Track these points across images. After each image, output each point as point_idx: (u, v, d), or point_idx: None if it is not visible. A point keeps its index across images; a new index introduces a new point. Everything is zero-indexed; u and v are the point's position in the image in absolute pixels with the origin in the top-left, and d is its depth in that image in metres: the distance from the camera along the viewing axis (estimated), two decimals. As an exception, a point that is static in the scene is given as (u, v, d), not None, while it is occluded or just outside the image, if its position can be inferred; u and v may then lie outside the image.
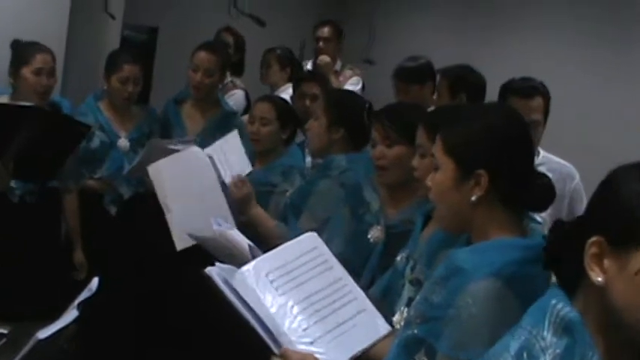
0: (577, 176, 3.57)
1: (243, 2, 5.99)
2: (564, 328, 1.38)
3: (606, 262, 1.37)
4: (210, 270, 1.93)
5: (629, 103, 5.39)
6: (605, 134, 5.40)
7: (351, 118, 3.34)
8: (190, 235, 3.18)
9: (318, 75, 5.01)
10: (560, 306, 1.40)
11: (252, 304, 1.94)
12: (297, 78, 4.80)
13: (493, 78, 4.24)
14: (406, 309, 2.16)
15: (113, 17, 5.20)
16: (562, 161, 3.54)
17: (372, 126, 2.88)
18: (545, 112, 3.51)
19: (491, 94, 4.10)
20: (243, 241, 2.90)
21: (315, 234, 2.25)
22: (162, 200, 3.49)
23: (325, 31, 5.81)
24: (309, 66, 5.78)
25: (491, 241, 1.85)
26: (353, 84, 5.57)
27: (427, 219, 2.43)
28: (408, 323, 1.90)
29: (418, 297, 1.90)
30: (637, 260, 1.33)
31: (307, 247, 2.20)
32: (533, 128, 3.28)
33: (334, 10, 7.39)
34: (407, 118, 2.74)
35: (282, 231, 3.28)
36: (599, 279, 1.37)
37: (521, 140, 1.91)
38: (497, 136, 1.87)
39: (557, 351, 1.36)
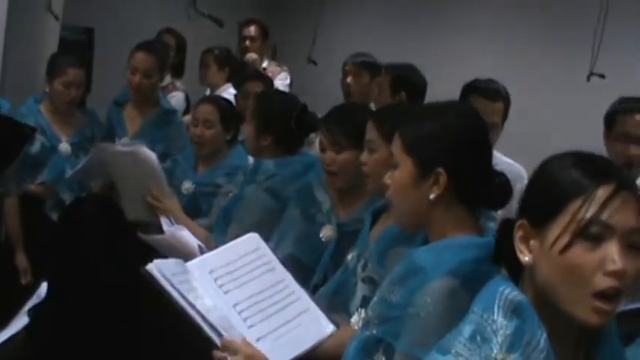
0: (526, 177, 3.56)
1: (201, 3, 5.99)
2: (513, 311, 1.45)
3: (532, 243, 1.49)
4: (151, 267, 1.92)
5: (570, 103, 5.51)
6: (545, 133, 5.51)
7: (280, 124, 3.29)
8: (141, 235, 3.20)
9: (264, 74, 5.04)
10: (507, 291, 1.48)
11: (195, 300, 1.94)
12: (243, 77, 4.79)
13: (433, 79, 4.33)
14: (363, 310, 2.17)
15: (57, 18, 5.11)
16: (511, 161, 3.60)
17: (319, 131, 2.90)
18: (504, 117, 3.58)
19: (432, 95, 4.19)
20: (193, 242, 2.93)
21: (256, 235, 2.29)
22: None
23: (251, 30, 5.86)
24: (265, 64, 5.82)
25: (448, 239, 1.87)
26: (281, 79, 5.63)
27: (375, 217, 2.47)
28: (366, 324, 1.90)
29: (376, 297, 1.91)
30: (552, 234, 1.45)
31: (250, 248, 2.23)
32: (490, 130, 3.35)
33: (278, 11, 7.45)
34: (354, 122, 2.76)
35: (214, 243, 3.25)
36: (526, 259, 1.50)
37: (479, 139, 1.94)
38: (455, 135, 1.89)
39: (508, 332, 1.43)
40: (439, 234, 1.90)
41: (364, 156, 2.47)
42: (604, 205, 1.42)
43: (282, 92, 4.47)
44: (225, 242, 3.07)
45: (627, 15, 5.15)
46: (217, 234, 3.30)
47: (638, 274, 1.44)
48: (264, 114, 3.32)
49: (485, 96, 3.52)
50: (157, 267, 1.94)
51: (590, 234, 1.42)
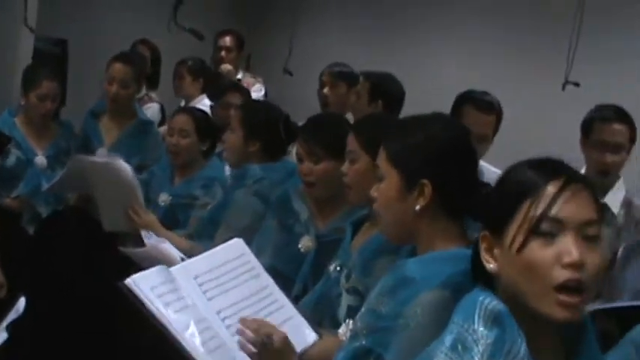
0: None
1: (182, 16, 5.99)
2: (493, 320, 1.47)
3: (495, 251, 1.53)
4: (129, 281, 1.90)
5: (546, 111, 5.55)
6: (520, 142, 5.54)
7: (267, 131, 3.37)
8: (121, 248, 3.19)
9: (242, 86, 5.06)
10: (487, 300, 1.50)
11: (175, 314, 1.93)
12: (222, 88, 4.82)
13: (408, 88, 4.34)
14: (351, 321, 2.18)
15: (32, 30, 5.10)
16: (498, 171, 3.61)
17: (297, 141, 2.91)
18: (495, 130, 3.61)
19: (408, 105, 4.20)
20: (174, 254, 2.92)
21: (241, 240, 2.28)
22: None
23: (227, 40, 5.88)
24: (239, 75, 5.83)
25: (438, 251, 1.88)
26: (256, 91, 5.64)
27: (356, 227, 2.47)
28: (354, 335, 1.90)
29: (364, 308, 1.92)
30: (509, 236, 1.49)
31: (234, 254, 2.22)
32: (481, 142, 3.38)
33: (254, 21, 7.47)
34: (331, 132, 2.79)
35: (198, 251, 3.23)
36: (491, 266, 1.54)
37: (464, 150, 1.95)
38: (440, 147, 1.90)
39: (489, 341, 1.45)
40: (427, 245, 1.91)
41: (345, 166, 2.48)
42: (553, 200, 1.46)
43: (267, 102, 4.51)
44: (212, 247, 3.13)
45: (602, 23, 5.19)
46: (204, 240, 3.32)
47: (600, 266, 1.47)
48: (252, 121, 3.38)
49: (479, 108, 3.56)
50: (135, 281, 1.91)
51: (543, 230, 1.45)
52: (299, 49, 6.58)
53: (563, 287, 1.43)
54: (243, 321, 1.99)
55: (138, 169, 3.89)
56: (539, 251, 1.45)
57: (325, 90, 4.71)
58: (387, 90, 4.20)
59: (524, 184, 1.51)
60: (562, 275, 1.43)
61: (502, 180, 1.59)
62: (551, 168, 1.52)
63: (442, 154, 1.90)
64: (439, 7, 6.47)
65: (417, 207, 1.89)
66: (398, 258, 2.06)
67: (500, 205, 1.54)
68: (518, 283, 1.48)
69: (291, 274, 2.79)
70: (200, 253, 3.07)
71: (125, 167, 3.53)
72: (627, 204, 3.39)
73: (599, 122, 3.39)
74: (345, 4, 7.21)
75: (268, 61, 6.75)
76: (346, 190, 2.52)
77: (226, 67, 5.68)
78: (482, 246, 1.56)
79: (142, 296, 1.89)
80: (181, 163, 3.82)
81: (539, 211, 1.46)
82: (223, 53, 5.83)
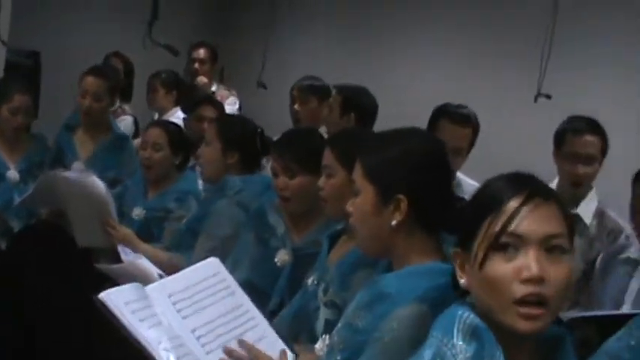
0: None
1: (157, 32, 6.00)
2: (472, 334, 1.49)
3: (466, 267, 1.55)
4: (103, 295, 1.89)
5: (518, 124, 5.59)
6: (493, 154, 5.57)
7: (244, 144, 3.41)
8: (98, 265, 3.17)
9: (216, 99, 5.06)
10: (466, 314, 1.51)
11: (149, 329, 1.92)
12: (195, 101, 4.81)
13: (381, 101, 4.36)
14: (327, 336, 2.18)
15: (4, 43, 5.07)
16: (476, 184, 3.62)
17: (271, 157, 2.93)
18: (471, 143, 3.63)
19: (381, 117, 4.23)
20: (152, 270, 2.91)
21: (217, 260, 2.27)
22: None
23: (201, 52, 5.90)
24: (213, 88, 5.82)
25: (414, 266, 1.88)
26: (230, 104, 5.66)
27: (333, 241, 2.48)
28: (331, 350, 1.91)
29: (341, 322, 1.92)
30: (473, 253, 1.51)
31: (209, 272, 2.21)
32: (456, 155, 3.41)
33: (228, 34, 7.48)
34: (305, 147, 2.81)
35: (178, 260, 3.27)
36: (462, 281, 1.56)
37: (439, 165, 1.96)
38: (416, 161, 1.91)
39: (468, 355, 1.47)
40: (402, 260, 1.91)
41: (322, 181, 2.49)
42: (512, 215, 1.47)
43: (241, 116, 4.51)
44: (192, 256, 3.15)
45: (574, 34, 5.24)
46: (182, 250, 3.33)
47: (567, 279, 1.48)
48: (229, 134, 3.42)
49: (454, 121, 3.58)
50: (109, 296, 1.91)
51: (502, 245, 1.47)
52: (273, 61, 6.60)
53: (523, 301, 1.45)
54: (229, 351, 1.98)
55: (113, 184, 3.89)
56: (499, 267, 1.47)
57: (296, 105, 4.71)
58: (359, 103, 4.20)
59: (488, 200, 1.53)
60: (521, 290, 1.45)
61: (473, 195, 1.60)
62: (515, 182, 1.53)
63: (418, 169, 1.90)
64: (414, 19, 6.51)
65: (393, 222, 1.89)
66: (375, 272, 2.07)
67: (467, 221, 1.56)
68: (482, 298, 1.51)
69: (268, 288, 2.80)
70: (179, 263, 3.18)
71: (97, 183, 3.50)
72: (600, 214, 3.42)
73: (571, 134, 3.41)
74: (320, 16, 7.25)
75: (242, 74, 6.76)
76: (323, 204, 2.52)
77: (202, 79, 5.71)
78: (456, 262, 1.58)
79: (115, 311, 1.88)
80: (155, 177, 3.81)
81: (498, 226, 1.48)
82: (197, 65, 5.85)
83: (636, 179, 3.04)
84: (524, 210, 1.47)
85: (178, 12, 7.31)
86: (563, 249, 1.48)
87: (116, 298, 1.91)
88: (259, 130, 3.48)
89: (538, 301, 1.45)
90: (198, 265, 2.23)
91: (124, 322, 1.89)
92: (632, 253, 3.10)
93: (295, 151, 2.82)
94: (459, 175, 3.56)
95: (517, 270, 1.45)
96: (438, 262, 1.89)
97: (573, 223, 1.56)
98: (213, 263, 2.26)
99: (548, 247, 1.47)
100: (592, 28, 5.30)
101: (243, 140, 3.42)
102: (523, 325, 1.45)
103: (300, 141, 2.91)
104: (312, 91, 4.68)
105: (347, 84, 4.36)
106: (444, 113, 3.61)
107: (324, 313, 2.31)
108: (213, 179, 3.50)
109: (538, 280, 1.44)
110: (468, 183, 3.57)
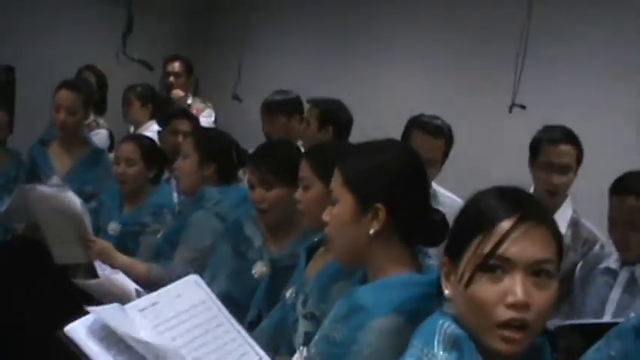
0: None
1: (132, 46, 5.99)
2: (452, 344, 1.49)
3: (452, 278, 1.55)
4: (69, 329, 1.85)
5: (493, 134, 5.61)
6: (467, 165, 5.59)
7: (221, 155, 3.46)
8: (75, 281, 3.15)
9: (190, 112, 5.05)
10: (447, 324, 1.52)
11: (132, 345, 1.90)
12: (169, 114, 4.81)
13: (356, 113, 4.39)
14: (305, 348, 2.17)
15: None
16: (452, 195, 3.64)
17: (248, 169, 2.93)
18: (445, 154, 3.63)
19: (357, 130, 4.26)
20: (129, 285, 2.89)
21: (196, 276, 2.27)
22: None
23: (176, 66, 5.90)
24: (189, 101, 5.81)
25: (390, 277, 1.88)
26: (206, 116, 5.68)
27: (311, 253, 2.48)
28: None
29: (318, 335, 1.92)
30: (460, 268, 1.51)
31: (189, 289, 2.21)
32: (429, 166, 3.39)
33: (204, 49, 7.49)
34: (282, 159, 2.82)
35: (157, 272, 3.28)
36: (446, 292, 1.57)
37: (417, 176, 1.97)
38: (395, 171, 1.92)
39: None
40: (378, 270, 1.91)
41: (299, 194, 2.49)
42: (502, 238, 1.46)
43: (216, 129, 4.51)
44: (171, 267, 3.17)
45: (548, 44, 5.27)
46: (162, 261, 3.32)
47: (550, 304, 1.48)
48: (206, 146, 3.46)
49: (427, 132, 3.58)
50: (74, 329, 1.87)
51: (490, 268, 1.47)
52: (248, 74, 6.60)
53: (506, 325, 1.45)
54: None
55: (91, 198, 3.89)
56: (484, 289, 1.47)
57: (266, 127, 4.69)
58: (336, 116, 4.25)
59: (480, 218, 1.52)
60: (504, 315, 1.45)
61: (466, 207, 1.59)
62: (509, 203, 1.52)
63: (397, 179, 1.91)
64: (389, 31, 6.52)
65: (371, 231, 1.89)
66: (351, 283, 2.06)
67: (458, 235, 1.56)
68: (465, 315, 1.51)
69: (246, 301, 2.80)
70: (158, 273, 3.21)
71: (73, 197, 3.49)
72: (574, 224, 3.45)
73: (546, 143, 3.44)
74: (296, 28, 7.25)
75: (217, 87, 6.75)
76: (300, 216, 2.53)
77: (178, 93, 5.71)
78: (442, 270, 1.58)
79: (80, 342, 1.85)
80: (129, 191, 3.81)
81: (487, 248, 1.47)
82: (172, 79, 5.85)
83: (613, 190, 3.06)
84: (516, 233, 1.47)
85: (152, 25, 7.29)
86: (550, 274, 1.48)
87: (78, 330, 1.88)
88: (235, 142, 3.53)
89: (521, 325, 1.45)
90: (177, 282, 2.22)
91: (90, 354, 1.87)
92: (611, 263, 3.11)
93: (272, 163, 2.83)
94: (434, 185, 3.57)
95: (502, 294, 1.45)
96: (414, 272, 1.90)
97: (563, 245, 1.55)
98: (192, 279, 2.25)
99: (536, 271, 1.47)
100: (567, 38, 5.33)
101: (219, 153, 3.47)
102: (503, 347, 1.46)
103: (276, 153, 2.92)
104: (278, 108, 4.66)
105: (322, 97, 4.38)
106: (417, 124, 3.62)
107: (303, 326, 2.30)
108: (190, 192, 3.51)
109: (523, 306, 1.44)
110: (443, 194, 3.58)
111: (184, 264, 3.18)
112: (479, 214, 1.53)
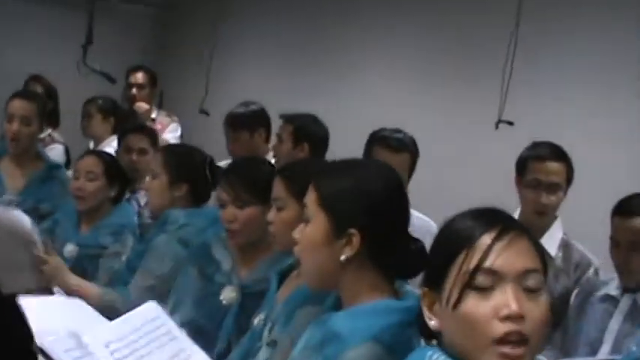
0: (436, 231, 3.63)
1: (93, 57, 5.96)
2: None
3: (435, 307, 1.55)
4: (43, 343, 1.90)
5: (478, 151, 5.61)
6: (452, 183, 5.59)
7: (194, 174, 3.40)
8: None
9: (147, 127, 4.99)
10: (435, 356, 1.51)
11: None
12: (123, 130, 4.75)
13: (332, 127, 4.36)
14: None
15: None
16: (422, 216, 3.63)
17: (219, 186, 2.90)
18: (411, 169, 3.61)
19: (333, 146, 4.24)
20: (90, 312, 2.84)
21: (155, 304, 2.27)
22: None
23: (139, 77, 5.89)
24: (154, 115, 5.78)
25: (366, 304, 1.87)
26: (171, 131, 5.69)
27: (283, 276, 2.46)
28: None
29: None
30: (446, 291, 1.51)
31: (149, 317, 2.20)
32: None
33: (170, 59, 7.49)
34: (257, 176, 2.80)
35: (110, 297, 3.23)
36: (432, 322, 1.56)
37: (397, 202, 1.96)
38: (373, 195, 1.90)
39: None
40: (353, 296, 1.90)
41: (271, 214, 2.47)
42: (487, 251, 1.48)
43: (187, 144, 4.47)
44: (126, 293, 3.13)
45: (537, 57, 5.31)
46: (120, 287, 3.28)
47: (544, 316, 1.48)
48: (177, 165, 3.39)
49: (389, 147, 3.58)
50: (49, 344, 1.92)
51: (478, 283, 1.47)
52: (216, 86, 6.60)
53: (504, 340, 1.44)
54: None
55: (46, 217, 3.84)
56: (475, 306, 1.47)
57: (228, 142, 4.65)
58: (311, 132, 4.21)
59: (458, 236, 1.53)
60: (501, 328, 1.44)
61: (440, 232, 1.61)
62: (486, 218, 1.54)
63: (375, 203, 1.90)
64: (368, 42, 6.53)
65: (343, 257, 1.88)
66: (322, 309, 2.05)
67: (437, 259, 1.56)
68: (457, 339, 1.50)
69: (213, 329, 2.77)
70: (113, 300, 3.15)
71: (21, 217, 3.42)
72: (565, 246, 3.43)
73: (533, 161, 3.43)
74: (266, 38, 7.26)
75: (183, 100, 6.73)
76: (272, 238, 2.51)
77: (142, 106, 5.67)
78: (424, 303, 1.57)
79: (56, 358, 1.88)
80: (87, 209, 3.75)
81: (473, 263, 1.48)
82: (135, 90, 5.83)
83: (617, 211, 3.07)
84: (499, 245, 1.49)
85: (115, 35, 7.30)
86: (539, 285, 1.49)
87: (56, 346, 1.92)
88: (209, 159, 3.46)
89: (519, 339, 1.44)
90: (136, 310, 2.21)
91: None
92: (611, 289, 3.10)
93: (245, 180, 2.82)
94: None
95: (495, 308, 1.45)
96: (391, 299, 1.89)
97: (545, 258, 1.56)
98: (152, 307, 2.24)
99: (525, 284, 1.47)
100: (557, 50, 5.37)
101: (191, 172, 3.40)
102: None
103: (250, 170, 2.91)
104: (240, 123, 4.61)
105: (295, 113, 4.36)
106: (378, 140, 3.62)
107: (264, 353, 2.27)
108: (161, 212, 3.45)
109: (518, 318, 1.44)
110: (415, 216, 3.54)
111: (140, 291, 3.14)
112: (457, 234, 1.54)
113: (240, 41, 7.35)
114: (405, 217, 1.99)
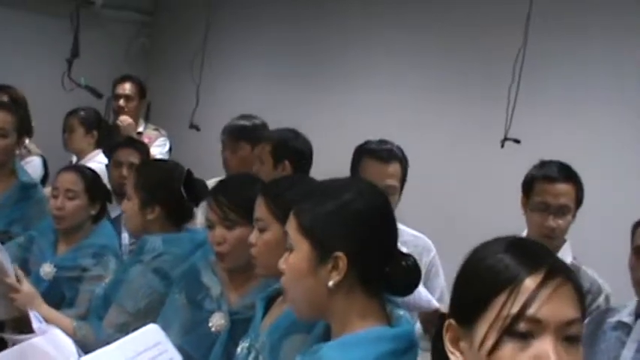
0: (433, 249, 3.66)
1: (79, 71, 5.95)
2: None
3: (462, 344, 1.53)
4: None
5: (483, 169, 5.62)
6: (454, 202, 5.57)
7: (166, 195, 3.34)
8: (5, 336, 3.07)
9: (138, 141, 4.99)
10: None
11: None
12: (113, 144, 4.74)
13: (326, 142, 4.35)
14: None
15: None
16: (416, 233, 3.63)
17: (208, 205, 2.88)
18: (402, 179, 3.59)
19: (327, 160, 4.20)
20: (69, 343, 2.83)
21: (157, 327, 2.32)
22: None
23: (126, 87, 5.87)
24: (140, 128, 5.78)
25: (358, 332, 1.87)
26: (159, 146, 5.68)
27: (269, 302, 2.46)
28: None
29: None
30: (479, 333, 1.48)
31: (150, 342, 2.20)
32: (389, 195, 3.37)
33: (158, 70, 7.50)
34: (248, 195, 2.75)
35: (83, 333, 3.21)
36: (454, 358, 1.54)
37: (382, 220, 1.97)
38: (357, 215, 1.91)
39: None
40: (343, 325, 1.91)
41: (253, 236, 2.48)
42: (531, 297, 1.45)
43: (163, 160, 4.42)
44: (101, 330, 3.10)
45: (545, 71, 5.33)
46: (93, 321, 3.25)
47: None
48: (148, 184, 3.35)
49: (378, 158, 3.55)
50: None
51: (519, 331, 1.45)
52: (207, 99, 6.59)
53: None
54: None
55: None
56: (513, 356, 1.45)
57: (226, 153, 4.67)
58: (292, 148, 4.16)
59: (498, 275, 1.50)
60: None
61: (470, 264, 1.57)
62: (530, 258, 1.51)
63: (359, 224, 1.92)
64: (364, 51, 6.53)
65: (331, 282, 1.89)
66: (310, 338, 2.06)
67: (470, 295, 1.53)
68: None
69: (201, 358, 2.76)
70: (86, 336, 3.13)
71: None
72: (575, 271, 3.39)
73: (541, 181, 3.43)
74: (259, 49, 7.29)
75: (172, 113, 6.73)
76: (253, 261, 2.51)
77: (126, 119, 5.64)
78: (447, 335, 1.56)
79: None
80: (66, 229, 3.72)
81: (515, 309, 1.45)
82: (122, 102, 5.80)
83: (637, 228, 3.03)
84: (544, 291, 1.46)
85: (102, 48, 7.31)
86: (578, 337, 1.48)
87: None
88: (184, 174, 3.35)
89: None
90: (138, 332, 2.22)
91: None
92: (623, 316, 3.07)
93: (236, 199, 2.81)
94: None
95: (534, 359, 1.44)
96: (384, 325, 1.89)
97: (585, 302, 1.55)
98: (153, 331, 2.24)
99: (565, 334, 1.46)
100: (564, 67, 5.39)
101: (163, 191, 3.35)
102: None
103: (242, 188, 2.89)
104: (242, 134, 4.64)
105: (273, 130, 4.35)
106: (367, 151, 3.60)
107: None
108: (137, 234, 3.45)
109: None
110: (405, 231, 3.52)
111: (113, 329, 3.11)
112: (496, 272, 1.50)
113: (234, 51, 7.39)
114: (394, 234, 2.00)
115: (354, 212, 1.92)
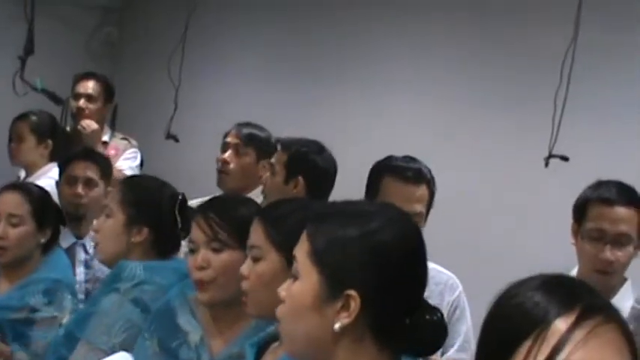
0: (459, 287, 3.66)
1: (33, 71, 5.97)
2: None
3: None
4: None
5: (523, 190, 5.60)
6: (487, 226, 5.55)
7: (157, 216, 3.38)
8: None
9: (97, 153, 4.97)
10: None
11: None
12: (66, 157, 4.71)
13: (340, 158, 4.32)
14: None
15: None
16: (440, 268, 3.62)
17: (193, 223, 2.90)
18: (429, 205, 3.60)
19: (337, 185, 4.22)
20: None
21: (126, 354, 2.44)
22: None
23: (89, 86, 5.87)
24: (106, 137, 5.77)
25: None
26: (128, 159, 5.71)
27: (261, 350, 2.44)
28: None
29: None
30: None
31: None
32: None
33: (129, 71, 7.59)
34: (241, 216, 2.80)
35: None
36: None
37: (411, 258, 1.95)
38: (380, 248, 1.90)
39: None
40: None
41: (245, 266, 2.49)
42: (562, 341, 1.45)
43: (152, 177, 4.41)
44: None
45: (595, 82, 5.32)
46: None
47: None
48: (138, 202, 3.39)
49: (404, 179, 3.56)
50: None
51: None
52: (188, 104, 6.64)
53: None
54: None
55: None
56: None
57: (227, 154, 4.71)
58: (310, 164, 4.19)
59: (525, 315, 1.51)
60: None
61: (501, 302, 1.58)
62: (562, 295, 1.52)
63: (382, 259, 1.90)
64: (385, 51, 6.54)
65: (337, 325, 1.89)
66: None
67: (495, 339, 1.56)
68: None
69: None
70: None
71: None
72: (637, 318, 3.35)
73: (597, 205, 3.41)
74: (247, 47, 7.34)
75: (145, 120, 6.76)
76: (243, 299, 2.52)
77: (90, 125, 5.63)
78: None
79: None
80: (10, 262, 3.74)
81: (542, 356, 1.46)
82: (83, 102, 5.77)
83: None
84: (578, 334, 1.46)
85: (61, 44, 7.39)
86: None
87: None
88: (180, 198, 3.43)
89: None
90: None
91: None
92: None
93: (228, 217, 2.84)
94: None
95: None
96: None
97: (637, 352, 1.54)
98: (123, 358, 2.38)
99: None
100: (618, 74, 5.41)
101: (156, 211, 3.39)
102: None
103: (236, 206, 2.94)
104: (252, 141, 4.72)
105: (294, 138, 4.35)
106: (389, 170, 3.61)
107: None
108: (111, 263, 3.43)
109: None
110: (434, 269, 3.50)
111: None
112: (524, 311, 1.52)
113: (219, 44, 7.43)
114: (422, 279, 2.00)
115: (378, 243, 1.91)
